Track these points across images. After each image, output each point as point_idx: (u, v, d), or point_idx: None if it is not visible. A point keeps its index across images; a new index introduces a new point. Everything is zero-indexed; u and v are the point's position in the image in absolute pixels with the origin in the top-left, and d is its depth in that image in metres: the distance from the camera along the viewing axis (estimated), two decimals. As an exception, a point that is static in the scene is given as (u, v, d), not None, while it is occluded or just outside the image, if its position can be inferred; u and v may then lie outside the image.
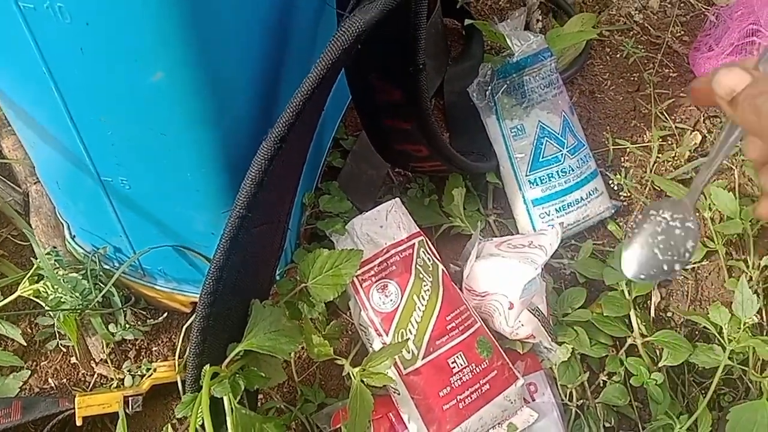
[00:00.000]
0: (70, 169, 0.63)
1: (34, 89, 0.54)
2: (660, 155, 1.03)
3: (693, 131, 1.08)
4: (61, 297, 0.72)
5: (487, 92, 0.92)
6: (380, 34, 0.59)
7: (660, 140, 1.05)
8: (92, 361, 0.78)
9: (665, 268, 0.49)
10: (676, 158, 1.04)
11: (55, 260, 0.74)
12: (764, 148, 0.48)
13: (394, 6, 0.58)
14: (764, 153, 0.48)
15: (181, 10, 0.45)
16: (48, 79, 0.52)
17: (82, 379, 0.78)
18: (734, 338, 0.82)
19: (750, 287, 0.85)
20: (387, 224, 0.78)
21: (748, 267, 0.92)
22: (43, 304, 0.73)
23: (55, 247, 0.76)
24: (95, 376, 0.78)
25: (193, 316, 0.60)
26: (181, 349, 0.78)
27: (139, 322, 0.78)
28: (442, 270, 0.78)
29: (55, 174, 0.67)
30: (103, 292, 0.70)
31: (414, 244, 0.78)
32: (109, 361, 0.77)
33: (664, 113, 1.09)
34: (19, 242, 0.85)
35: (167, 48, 0.47)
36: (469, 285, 0.79)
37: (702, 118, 1.10)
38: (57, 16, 0.46)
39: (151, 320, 0.79)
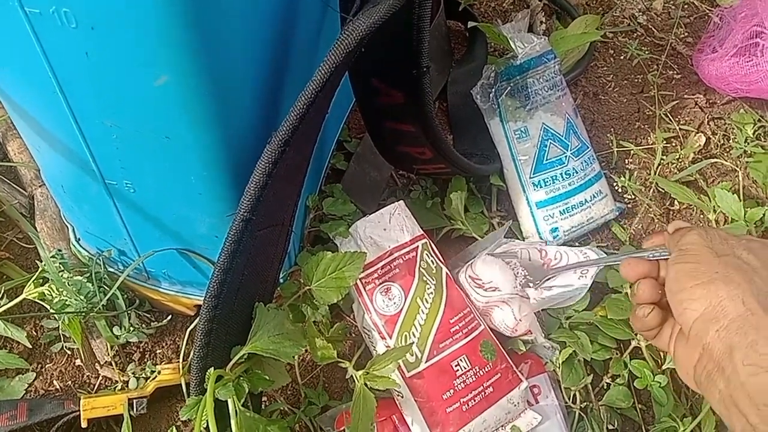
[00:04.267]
0: (76, 173, 0.63)
1: (39, 93, 0.54)
2: (664, 157, 1.03)
3: (697, 133, 1.08)
4: (66, 300, 0.72)
5: (491, 94, 0.92)
6: (383, 37, 0.59)
7: (664, 142, 1.05)
8: (97, 364, 0.78)
9: None
10: (680, 160, 1.04)
11: (60, 263, 0.74)
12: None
13: (397, 9, 0.58)
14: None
15: (186, 13, 0.46)
16: (53, 83, 0.52)
17: (87, 381, 0.78)
18: (739, 341, 0.81)
19: (754, 290, 0.84)
20: (390, 227, 0.78)
21: (752, 269, 0.92)
22: (48, 307, 0.73)
23: (60, 250, 0.77)
24: (100, 378, 0.78)
25: (198, 319, 0.61)
26: (185, 351, 0.78)
27: (143, 325, 0.78)
28: (446, 273, 0.78)
29: (60, 178, 0.68)
30: (108, 295, 0.70)
31: (417, 246, 0.78)
32: (113, 364, 0.77)
33: (668, 115, 1.09)
34: (24, 245, 0.86)
35: (172, 51, 0.47)
36: (475, 275, 0.79)
37: (706, 120, 1.10)
38: (63, 20, 0.46)
39: (155, 323, 0.80)
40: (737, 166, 1.03)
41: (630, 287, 0.80)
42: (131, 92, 0.51)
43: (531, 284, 0.78)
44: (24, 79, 0.54)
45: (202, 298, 0.61)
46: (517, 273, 0.78)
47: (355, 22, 0.55)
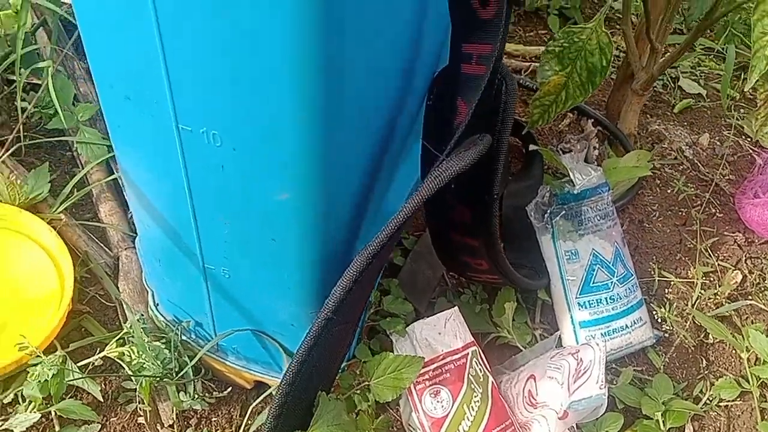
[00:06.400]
0: (177, 254, 0.71)
1: (168, 187, 0.62)
2: (703, 292, 1.08)
3: (734, 270, 1.13)
4: (144, 363, 0.78)
5: (546, 214, 0.99)
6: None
7: (703, 277, 1.10)
8: (158, 424, 0.83)
9: None
10: (717, 296, 1.09)
11: (141, 327, 0.80)
12: None
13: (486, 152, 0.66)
14: None
15: (316, 146, 0.54)
16: (184, 182, 0.60)
17: (146, 439, 0.84)
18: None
19: (782, 434, 0.88)
20: (445, 331, 0.84)
21: (781, 412, 0.96)
22: (126, 367, 0.80)
23: (142, 314, 0.83)
24: (158, 438, 0.84)
25: (270, 404, 0.66)
26: (237, 424, 0.84)
27: (206, 394, 0.84)
28: (492, 382, 0.83)
29: (160, 253, 0.75)
30: (189, 365, 0.77)
31: (468, 353, 0.84)
32: (174, 427, 0.83)
33: (708, 250, 1.15)
34: (104, 302, 0.93)
35: (298, 176, 0.55)
36: (529, 391, 0.83)
37: (744, 258, 1.16)
38: (210, 139, 0.55)
39: (217, 393, 0.85)
40: (770, 308, 1.08)
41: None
42: (254, 202, 0.59)
43: None
44: (158, 174, 0.63)
45: (278, 383, 0.67)
46: None
47: (449, 163, 0.62)
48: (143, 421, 0.84)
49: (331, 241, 0.65)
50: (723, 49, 1.60)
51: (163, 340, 0.81)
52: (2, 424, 0.79)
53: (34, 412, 0.79)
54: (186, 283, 0.75)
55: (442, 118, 0.74)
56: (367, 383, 0.76)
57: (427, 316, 0.87)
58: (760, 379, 0.98)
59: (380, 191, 0.73)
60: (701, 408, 0.97)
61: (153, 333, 0.83)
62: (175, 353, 0.79)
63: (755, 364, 1.00)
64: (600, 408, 0.81)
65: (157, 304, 0.86)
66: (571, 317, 0.96)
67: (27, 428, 0.79)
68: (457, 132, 0.65)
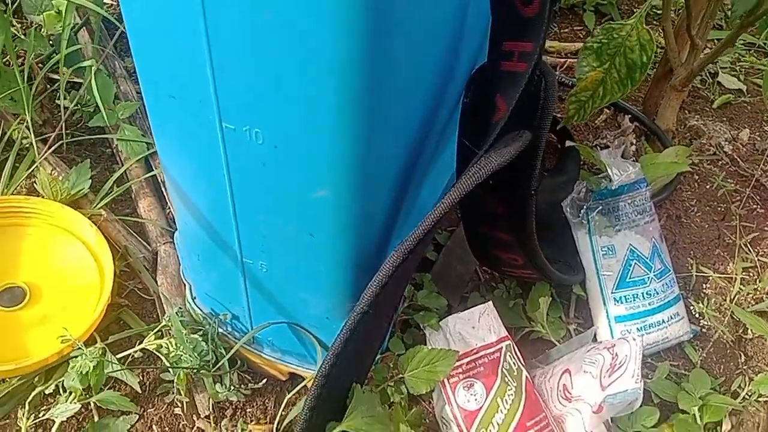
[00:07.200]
0: (216, 248, 0.72)
1: (210, 183, 0.63)
2: (742, 287, 1.06)
3: (775, 266, 1.11)
4: (182, 355, 0.80)
5: (582, 210, 0.98)
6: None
7: (742, 272, 1.08)
8: (194, 415, 0.85)
9: None
10: (757, 291, 1.07)
11: (179, 320, 0.82)
12: None
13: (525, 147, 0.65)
14: None
15: (354, 146, 0.54)
16: (225, 178, 0.61)
17: (182, 430, 0.85)
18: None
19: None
20: (479, 326, 0.84)
21: (823, 407, 0.93)
22: (164, 359, 0.81)
23: (180, 308, 0.85)
24: (195, 429, 0.85)
25: (306, 395, 0.67)
26: (272, 415, 0.85)
27: (242, 385, 0.85)
28: (526, 376, 0.83)
29: (199, 248, 0.77)
30: (226, 358, 0.78)
31: (502, 347, 0.84)
32: (209, 418, 0.84)
33: (748, 245, 1.13)
34: (142, 295, 0.95)
35: (336, 174, 0.56)
36: (563, 385, 0.83)
37: (785, 254, 1.13)
38: (252, 137, 0.55)
39: (252, 384, 0.86)
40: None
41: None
42: (292, 198, 0.59)
43: None
44: (200, 170, 0.64)
45: (313, 376, 0.68)
46: None
47: (488, 159, 0.62)
48: (180, 412, 0.85)
49: (367, 236, 0.65)
50: (765, 44, 1.57)
51: (200, 333, 0.83)
52: (44, 414, 0.82)
53: (74, 403, 0.81)
54: (224, 276, 0.76)
55: (480, 116, 0.74)
56: (401, 376, 0.76)
57: (460, 311, 0.87)
58: (800, 375, 0.96)
59: (416, 186, 0.74)
60: (740, 403, 0.95)
61: (190, 326, 0.84)
62: (212, 345, 0.81)
63: (796, 363, 0.98)
64: (635, 402, 0.80)
65: (194, 298, 0.87)
66: (607, 312, 0.95)
67: (67, 418, 0.81)
68: (496, 128, 0.65)
